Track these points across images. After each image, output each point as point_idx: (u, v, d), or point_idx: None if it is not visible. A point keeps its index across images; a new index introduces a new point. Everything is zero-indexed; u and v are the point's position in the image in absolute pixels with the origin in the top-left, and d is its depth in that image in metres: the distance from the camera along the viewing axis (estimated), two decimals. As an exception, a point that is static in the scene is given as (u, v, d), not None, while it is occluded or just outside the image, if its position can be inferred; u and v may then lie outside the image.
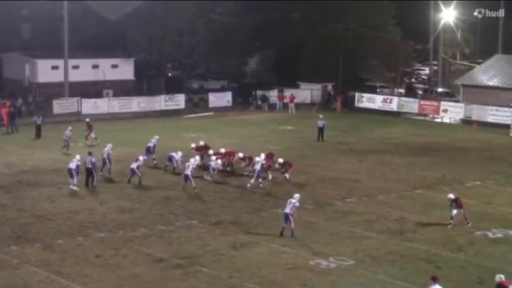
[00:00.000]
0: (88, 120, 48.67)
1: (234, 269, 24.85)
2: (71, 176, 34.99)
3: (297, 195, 29.03)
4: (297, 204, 28.73)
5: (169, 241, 27.76)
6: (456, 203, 30.23)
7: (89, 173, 35.67)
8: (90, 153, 36.44)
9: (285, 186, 36.23)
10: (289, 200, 28.72)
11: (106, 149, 38.27)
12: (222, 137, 48.69)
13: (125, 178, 36.80)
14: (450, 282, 23.22)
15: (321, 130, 49.71)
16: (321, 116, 50.88)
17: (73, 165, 35.03)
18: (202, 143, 41.26)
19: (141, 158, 37.41)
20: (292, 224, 28.18)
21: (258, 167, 35.73)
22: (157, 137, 41.35)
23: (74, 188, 34.91)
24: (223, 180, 37.29)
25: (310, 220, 30.64)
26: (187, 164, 35.46)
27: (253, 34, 75.03)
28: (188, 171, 34.98)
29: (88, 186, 35.47)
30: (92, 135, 46.77)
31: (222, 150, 39.46)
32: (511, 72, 63.20)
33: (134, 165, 36.46)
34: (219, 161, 37.56)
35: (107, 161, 37.61)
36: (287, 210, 28.33)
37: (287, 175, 37.29)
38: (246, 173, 38.08)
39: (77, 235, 28.30)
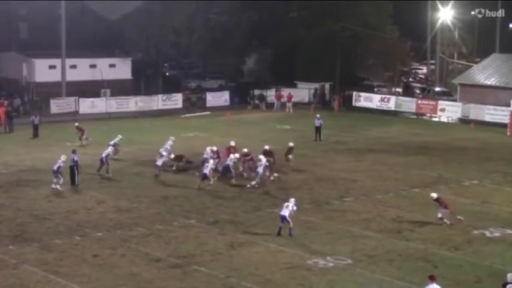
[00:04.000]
0: (76, 124, 47.75)
1: (231, 268, 24.86)
2: (56, 177, 34.94)
3: (292, 199, 28.86)
4: (295, 208, 28.60)
5: (167, 240, 27.76)
6: (438, 202, 30.24)
7: (72, 171, 35.77)
8: (74, 152, 36.55)
9: (283, 186, 36.22)
10: (286, 203, 28.56)
11: (107, 150, 38.15)
12: (220, 136, 48.64)
13: (123, 177, 36.79)
14: (447, 281, 23.24)
15: (318, 129, 49.69)
16: (318, 115, 50.82)
17: (55, 167, 34.98)
18: (232, 143, 40.25)
19: (164, 153, 37.45)
20: (291, 223, 28.18)
21: (261, 169, 35.62)
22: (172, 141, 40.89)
23: (57, 187, 34.69)
24: (221, 179, 37.23)
25: (308, 219, 30.66)
26: (206, 163, 35.53)
27: (251, 33, 75.08)
28: (206, 170, 35.00)
29: (75, 184, 35.58)
30: (84, 136, 46.44)
31: (214, 148, 39.05)
32: (508, 72, 63.27)
33: (159, 162, 36.90)
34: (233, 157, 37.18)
35: (104, 161, 37.58)
36: (285, 213, 28.15)
37: (272, 176, 36.92)
38: (241, 168, 37.82)
39: (74, 234, 28.31)
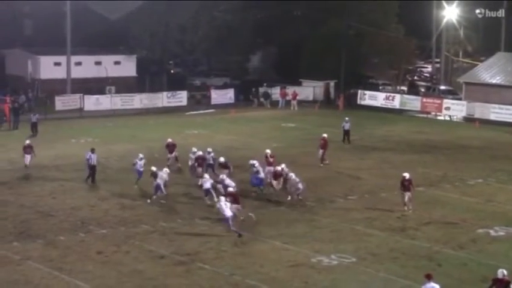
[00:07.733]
0: (28, 142, 40.39)
1: (235, 266, 24.86)
2: (208, 194, 32.29)
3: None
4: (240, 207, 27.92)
5: (171, 238, 27.77)
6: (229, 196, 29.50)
7: (92, 169, 35.67)
8: (93, 151, 36.15)
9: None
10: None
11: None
12: (224, 134, 48.66)
13: (127, 174, 36.72)
14: (452, 280, 23.22)
15: (347, 133, 47.85)
16: (346, 118, 48.82)
17: (206, 186, 32.16)
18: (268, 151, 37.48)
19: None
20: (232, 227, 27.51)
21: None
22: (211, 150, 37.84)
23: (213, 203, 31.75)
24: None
25: (312, 217, 30.66)
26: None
27: (256, 31, 75.05)
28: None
29: (94, 182, 35.53)
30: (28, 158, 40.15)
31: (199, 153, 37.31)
32: (513, 70, 63.19)
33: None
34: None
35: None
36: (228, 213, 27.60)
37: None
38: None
39: (79, 231, 28.35)
